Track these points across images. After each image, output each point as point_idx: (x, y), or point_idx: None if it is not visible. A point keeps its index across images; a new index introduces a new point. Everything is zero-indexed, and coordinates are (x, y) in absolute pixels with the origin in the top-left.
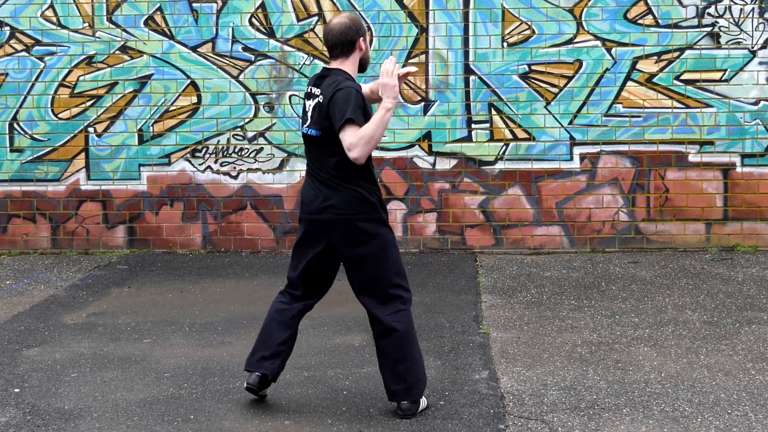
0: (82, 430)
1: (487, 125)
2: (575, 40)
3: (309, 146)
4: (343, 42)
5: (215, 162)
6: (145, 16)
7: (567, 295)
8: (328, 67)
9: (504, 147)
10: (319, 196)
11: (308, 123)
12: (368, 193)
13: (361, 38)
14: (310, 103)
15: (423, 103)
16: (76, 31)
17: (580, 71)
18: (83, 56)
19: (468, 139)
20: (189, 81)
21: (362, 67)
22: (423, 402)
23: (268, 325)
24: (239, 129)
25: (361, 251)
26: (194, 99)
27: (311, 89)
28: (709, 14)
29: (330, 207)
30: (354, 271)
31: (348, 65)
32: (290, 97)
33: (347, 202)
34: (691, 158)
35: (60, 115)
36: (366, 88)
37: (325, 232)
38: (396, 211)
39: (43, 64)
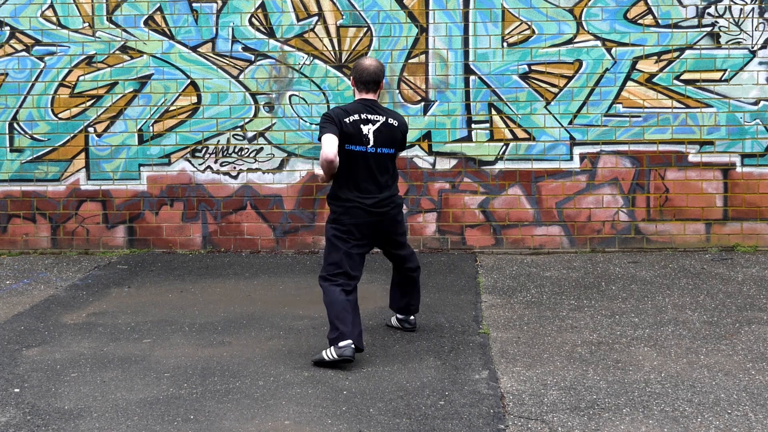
0: (82, 430)
1: (487, 125)
2: (575, 40)
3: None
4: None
5: (215, 162)
6: (145, 16)
7: (567, 295)
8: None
9: (504, 147)
10: None
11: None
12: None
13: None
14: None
15: (423, 103)
16: (76, 31)
17: (580, 71)
18: (83, 56)
19: (468, 139)
20: (189, 81)
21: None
22: None
23: (346, 308)
24: (239, 129)
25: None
26: (194, 99)
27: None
28: (709, 14)
29: None
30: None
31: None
32: (290, 97)
33: None
34: (691, 158)
35: (60, 115)
36: None
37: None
38: None
39: (43, 64)
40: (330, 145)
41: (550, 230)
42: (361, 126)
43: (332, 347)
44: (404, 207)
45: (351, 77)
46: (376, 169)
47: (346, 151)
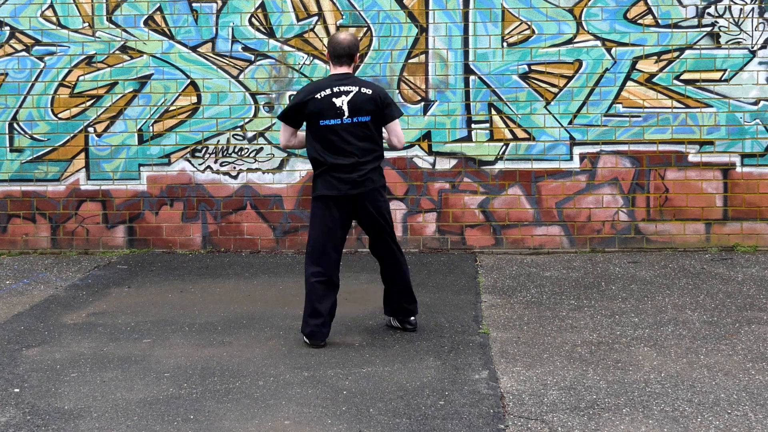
0: (82, 430)
1: (487, 125)
2: (575, 40)
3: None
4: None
5: (215, 162)
6: (145, 16)
7: (567, 295)
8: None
9: (504, 147)
10: None
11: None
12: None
13: (357, 53)
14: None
15: (423, 103)
16: (76, 31)
17: (580, 71)
18: (83, 56)
19: (468, 139)
20: (189, 81)
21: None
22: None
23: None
24: (239, 129)
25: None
26: (194, 99)
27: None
28: (709, 14)
29: None
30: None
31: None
32: (290, 97)
33: None
34: (691, 158)
35: (60, 115)
36: None
37: None
38: (396, 210)
39: (43, 64)
40: (282, 136)
41: (550, 230)
42: (334, 99)
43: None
44: (386, 192)
45: (327, 52)
46: (355, 139)
47: (321, 126)
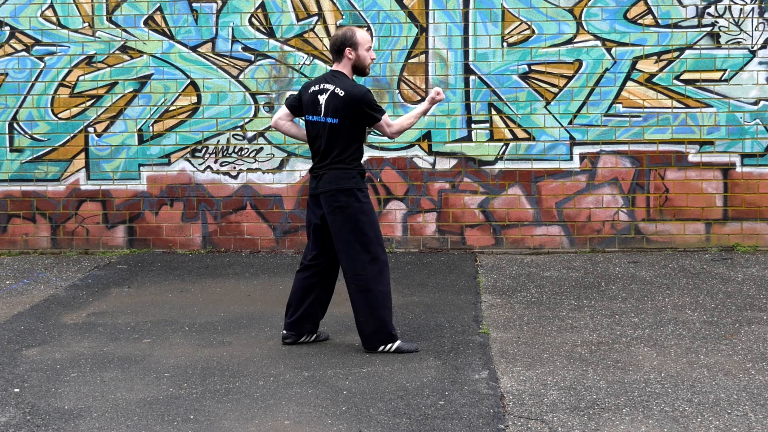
0: (82, 430)
1: (487, 125)
2: (575, 40)
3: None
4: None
5: (215, 162)
6: (145, 16)
7: (567, 295)
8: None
9: (504, 147)
10: None
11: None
12: None
13: (348, 47)
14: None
15: None
16: (76, 31)
17: (580, 71)
18: (83, 56)
19: (468, 139)
20: (189, 81)
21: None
22: None
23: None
24: (239, 129)
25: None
26: (194, 99)
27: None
28: (709, 14)
29: None
30: None
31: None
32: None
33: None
34: (691, 158)
35: (60, 115)
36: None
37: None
38: (396, 211)
39: (43, 64)
40: (277, 113)
41: (550, 230)
42: (318, 96)
43: None
44: (355, 206)
45: None
46: (327, 140)
47: (306, 121)
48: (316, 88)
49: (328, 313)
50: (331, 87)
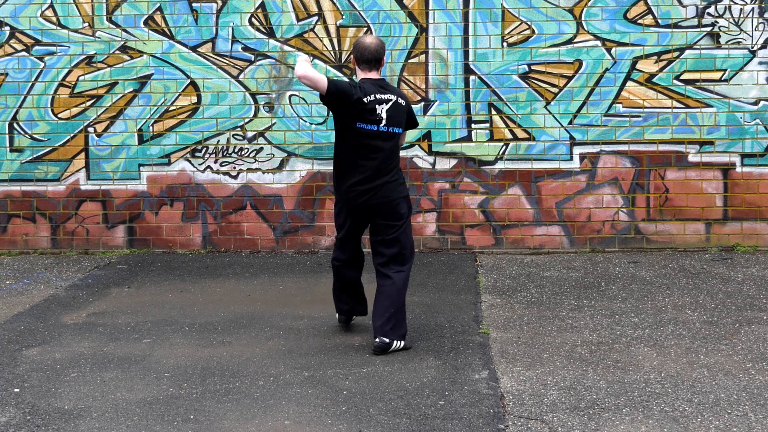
0: (82, 430)
1: (487, 125)
2: (575, 40)
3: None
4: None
5: (215, 162)
6: (145, 16)
7: (567, 295)
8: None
9: (504, 147)
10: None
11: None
12: None
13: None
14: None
15: (423, 103)
16: (76, 31)
17: (580, 71)
18: (83, 56)
19: (468, 139)
20: (189, 81)
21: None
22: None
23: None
24: (239, 129)
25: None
26: (194, 99)
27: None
28: (709, 14)
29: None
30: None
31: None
32: (290, 97)
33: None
34: (691, 158)
35: (60, 115)
36: None
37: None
38: None
39: (43, 64)
40: (316, 73)
41: (550, 230)
42: (377, 105)
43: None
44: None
45: (352, 56)
46: (391, 149)
47: (357, 129)
48: (372, 98)
49: (328, 313)
50: (392, 97)
